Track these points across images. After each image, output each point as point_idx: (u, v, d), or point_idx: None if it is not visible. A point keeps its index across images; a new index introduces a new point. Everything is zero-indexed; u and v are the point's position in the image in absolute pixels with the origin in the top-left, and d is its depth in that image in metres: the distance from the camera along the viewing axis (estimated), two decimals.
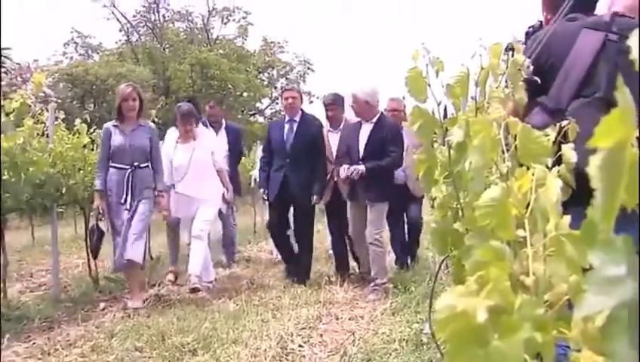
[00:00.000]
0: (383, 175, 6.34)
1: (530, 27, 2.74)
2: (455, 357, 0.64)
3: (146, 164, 6.02)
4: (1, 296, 5.74)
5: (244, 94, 31.50)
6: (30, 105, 6.28)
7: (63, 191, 6.47)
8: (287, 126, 7.02)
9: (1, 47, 17.37)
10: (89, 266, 6.63)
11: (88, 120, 7.12)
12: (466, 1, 61.16)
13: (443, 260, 2.88)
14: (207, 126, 7.80)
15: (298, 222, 7.15)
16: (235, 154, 8.34)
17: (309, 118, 7.23)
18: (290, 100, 7.05)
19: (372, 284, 6.33)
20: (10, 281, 5.53)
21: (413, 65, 1.78)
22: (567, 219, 0.95)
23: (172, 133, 7.00)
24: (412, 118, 1.78)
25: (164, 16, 33.55)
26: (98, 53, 32.09)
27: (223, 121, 8.48)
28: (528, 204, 1.04)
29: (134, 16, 32.89)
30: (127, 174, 5.88)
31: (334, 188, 6.99)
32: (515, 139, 1.34)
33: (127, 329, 5.02)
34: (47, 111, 6.72)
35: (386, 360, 4.08)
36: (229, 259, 8.39)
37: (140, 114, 6.11)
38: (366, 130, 6.49)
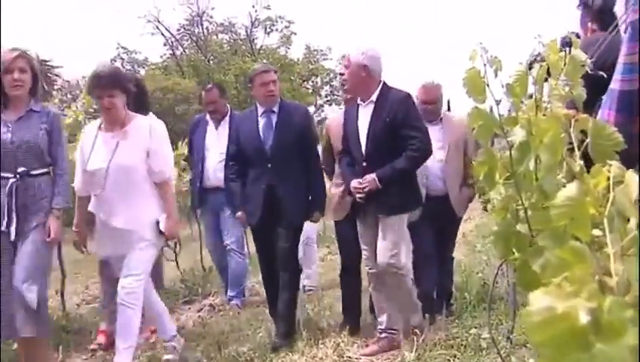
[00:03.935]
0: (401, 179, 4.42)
1: (562, 38, 2.69)
2: None
3: (42, 171, 4.16)
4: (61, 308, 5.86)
5: None
6: (81, 121, 6.44)
7: None
8: (262, 120, 5.02)
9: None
10: None
11: None
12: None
13: (502, 264, 2.83)
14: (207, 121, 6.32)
15: (280, 246, 4.91)
16: None
17: (290, 105, 5.45)
18: (271, 86, 4.99)
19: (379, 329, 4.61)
20: (67, 294, 5.62)
21: (471, 66, 1.75)
22: None
23: (92, 126, 4.56)
24: (471, 119, 1.75)
25: (207, 29, 34.11)
26: (144, 68, 32.78)
27: (228, 109, 6.39)
28: (604, 203, 1.01)
29: (178, 30, 33.62)
30: (9, 186, 4.03)
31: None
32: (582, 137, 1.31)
33: (183, 339, 5.06)
34: None
35: None
36: (237, 297, 6.37)
37: (33, 93, 4.18)
38: (365, 114, 4.48)
